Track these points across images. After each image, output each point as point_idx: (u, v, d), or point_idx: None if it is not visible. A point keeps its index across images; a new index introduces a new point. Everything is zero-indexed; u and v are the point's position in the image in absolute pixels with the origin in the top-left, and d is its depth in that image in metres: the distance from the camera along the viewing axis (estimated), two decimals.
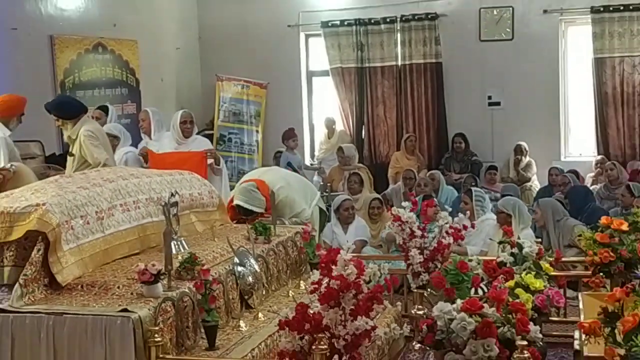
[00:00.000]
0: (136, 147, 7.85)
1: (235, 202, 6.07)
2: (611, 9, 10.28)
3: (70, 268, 3.90)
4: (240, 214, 6.02)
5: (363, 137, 11.40)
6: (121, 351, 3.44)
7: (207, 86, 11.29)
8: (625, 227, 5.09)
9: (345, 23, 11.22)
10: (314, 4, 11.41)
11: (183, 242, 4.43)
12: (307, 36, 11.78)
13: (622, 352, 3.21)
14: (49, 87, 8.56)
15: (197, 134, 7.88)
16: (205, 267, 3.99)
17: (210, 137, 9.35)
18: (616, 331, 3.33)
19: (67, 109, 6.43)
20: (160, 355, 3.45)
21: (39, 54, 8.45)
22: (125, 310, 3.52)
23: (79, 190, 4.31)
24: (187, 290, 3.87)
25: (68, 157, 6.54)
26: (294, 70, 11.71)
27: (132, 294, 3.75)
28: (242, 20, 11.44)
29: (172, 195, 4.46)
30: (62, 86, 8.72)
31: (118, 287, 3.85)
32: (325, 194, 8.19)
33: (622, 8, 10.24)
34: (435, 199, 7.37)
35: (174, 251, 4.07)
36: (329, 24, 11.28)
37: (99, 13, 9.44)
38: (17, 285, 3.71)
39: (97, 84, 9.30)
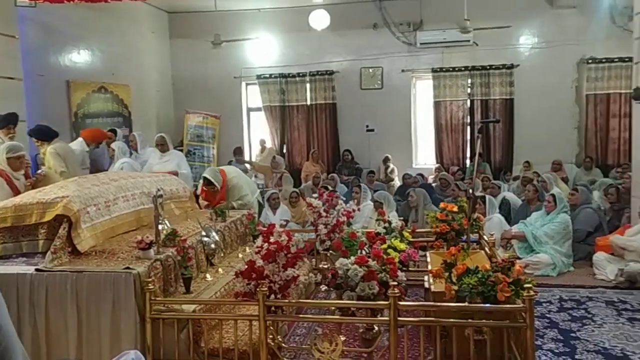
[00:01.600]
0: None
1: (204, 174, 5.97)
2: (444, 69, 10.55)
3: (87, 240, 3.77)
4: (205, 184, 5.91)
5: (284, 151, 11.36)
6: (125, 296, 3.35)
7: (178, 117, 11.00)
8: (455, 209, 5.23)
9: (273, 76, 11.15)
10: (252, 63, 11.26)
11: (167, 222, 4.31)
12: (247, 84, 11.62)
13: (455, 287, 3.29)
14: (66, 117, 8.15)
15: (174, 148, 7.71)
16: (183, 238, 3.91)
17: (181, 150, 9.14)
18: (452, 275, 3.44)
19: (44, 134, 6.07)
20: (152, 298, 3.36)
21: (58, 93, 8.04)
22: (127, 268, 3.42)
23: (92, 187, 4.17)
24: (170, 254, 3.78)
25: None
26: (238, 107, 11.54)
27: (131, 257, 3.65)
28: (203, 72, 11.19)
29: (158, 190, 4.33)
30: (76, 116, 8.30)
31: (122, 253, 3.74)
32: (261, 189, 8.13)
33: (451, 69, 10.54)
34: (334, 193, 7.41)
35: (160, 228, 3.97)
36: (262, 77, 11.19)
37: (102, 65, 9.07)
38: (49, 252, 3.58)
39: (101, 114, 8.91)
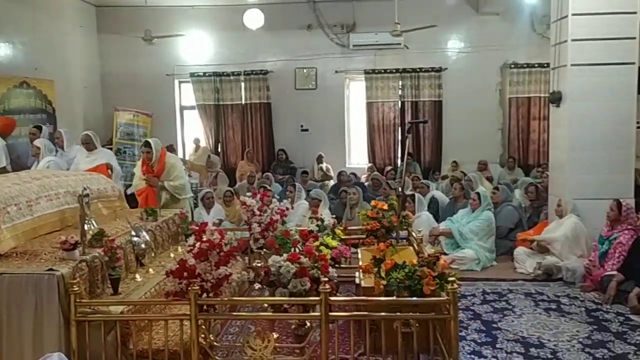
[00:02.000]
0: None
1: (149, 139, 6.16)
2: (376, 71, 10.77)
3: (7, 241, 3.60)
4: (143, 146, 6.08)
5: (219, 150, 11.23)
6: (48, 298, 3.21)
7: (107, 114, 10.62)
8: (385, 207, 5.32)
9: (207, 74, 11.01)
10: (185, 60, 11.07)
11: (93, 221, 4.17)
12: (180, 82, 11.41)
13: (384, 282, 3.39)
14: None
15: (103, 146, 7.45)
16: (110, 238, 3.80)
17: (110, 149, 8.84)
18: (381, 270, 3.54)
19: None
20: (77, 300, 3.25)
21: None
22: (51, 269, 3.29)
23: (13, 186, 3.98)
24: (97, 254, 3.66)
25: None
26: (171, 105, 11.29)
27: (55, 258, 3.50)
28: (133, 69, 10.87)
29: (84, 189, 4.20)
30: None
31: (44, 254, 3.58)
32: (194, 188, 8.02)
33: (383, 71, 10.77)
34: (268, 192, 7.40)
35: (86, 228, 3.84)
36: (195, 75, 11.01)
37: (24, 59, 8.62)
38: None
39: (23, 110, 8.45)
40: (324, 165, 10.80)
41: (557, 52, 6.46)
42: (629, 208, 5.53)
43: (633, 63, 6.21)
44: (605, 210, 5.65)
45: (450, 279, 3.24)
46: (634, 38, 6.14)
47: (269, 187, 7.71)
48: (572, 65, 6.23)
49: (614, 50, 6.15)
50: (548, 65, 7.00)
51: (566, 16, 6.21)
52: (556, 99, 6.44)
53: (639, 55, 6.22)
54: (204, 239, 3.37)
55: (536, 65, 10.44)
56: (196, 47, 11.02)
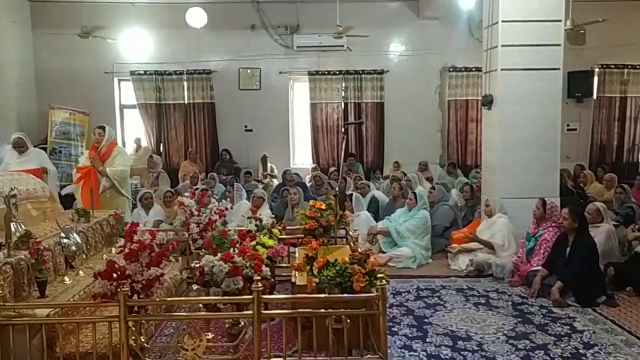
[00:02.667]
0: None
1: (104, 124, 6.45)
2: (320, 72, 10.89)
3: None
4: (98, 128, 6.38)
5: (161, 151, 11.06)
6: None
7: (42, 112, 10.23)
8: (323, 206, 5.40)
9: (148, 73, 10.82)
10: (125, 58, 10.83)
11: (21, 223, 4.06)
12: (120, 80, 11.16)
13: (317, 280, 3.47)
14: None
15: (35, 146, 7.21)
16: (37, 240, 3.71)
17: (45, 149, 8.55)
18: (313, 268, 3.60)
19: None
20: (1, 304, 3.16)
21: None
22: None
23: None
24: (23, 256, 3.57)
25: None
26: (110, 104, 11.00)
27: None
28: (70, 66, 10.53)
29: (12, 189, 4.08)
30: None
31: None
32: (134, 189, 7.89)
33: (326, 73, 10.89)
34: (209, 191, 7.36)
35: (13, 229, 3.73)
36: (136, 73, 10.81)
37: None
38: None
39: None
40: (268, 165, 10.82)
41: (488, 57, 6.74)
42: (553, 206, 5.82)
43: (558, 69, 6.54)
44: (532, 208, 5.92)
45: (379, 275, 3.35)
46: (559, 45, 6.48)
47: (208, 188, 7.67)
48: (502, 69, 6.51)
49: (541, 56, 6.46)
50: None
51: (497, 22, 6.48)
52: (488, 102, 6.71)
53: (564, 61, 6.57)
54: (135, 239, 3.34)
55: (473, 69, 10.83)
56: (137, 45, 10.81)
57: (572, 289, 5.13)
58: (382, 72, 10.89)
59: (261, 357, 3.25)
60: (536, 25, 6.41)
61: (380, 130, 11.06)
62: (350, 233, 5.03)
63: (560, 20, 6.47)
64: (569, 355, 3.99)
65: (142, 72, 10.82)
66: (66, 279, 3.93)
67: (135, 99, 10.92)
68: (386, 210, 7.61)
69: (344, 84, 10.96)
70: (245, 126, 11.06)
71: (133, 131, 11.36)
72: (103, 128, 6.32)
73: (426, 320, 4.72)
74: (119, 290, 3.17)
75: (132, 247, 3.36)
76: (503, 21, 6.43)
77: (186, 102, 11.00)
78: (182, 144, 11.07)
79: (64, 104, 9.86)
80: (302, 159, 11.54)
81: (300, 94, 11.40)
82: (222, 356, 3.57)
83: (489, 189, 6.90)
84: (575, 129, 11.15)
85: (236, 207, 7.21)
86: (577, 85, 10.69)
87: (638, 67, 11.09)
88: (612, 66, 11.04)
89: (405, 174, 9.19)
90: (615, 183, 8.29)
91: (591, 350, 4.07)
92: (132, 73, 10.79)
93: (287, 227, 5.64)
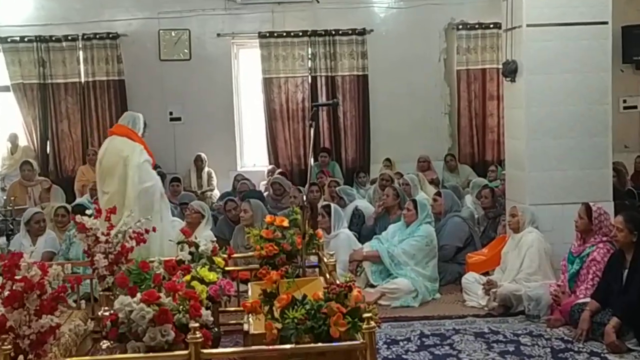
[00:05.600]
0: None
1: None
2: (275, 34, 10.98)
3: None
4: None
5: (48, 152, 11.02)
6: None
7: None
8: (286, 223, 5.48)
9: (26, 39, 10.79)
10: None
11: None
12: None
13: (279, 325, 3.55)
14: None
15: None
16: None
17: None
18: (274, 308, 3.69)
19: None
20: None
21: None
22: None
23: None
24: None
25: None
26: None
27: None
28: None
29: None
30: None
31: None
32: (9, 208, 7.86)
33: (284, 34, 11.00)
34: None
35: None
36: (8, 39, 10.77)
37: None
38: None
39: None
40: (205, 170, 10.86)
41: (509, 8, 6.92)
42: (601, 214, 6.00)
43: (606, 22, 6.76)
44: (574, 218, 6.11)
45: (366, 315, 3.47)
46: None
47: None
48: (528, 25, 6.69)
49: (582, 5, 6.68)
50: None
51: None
52: (510, 71, 6.89)
53: (615, 12, 6.81)
54: (18, 277, 3.40)
55: (491, 26, 11.08)
56: (8, 1, 10.76)
57: (633, 327, 5.31)
58: (363, 33, 11.08)
59: None
60: None
61: (363, 115, 11.24)
62: (325, 260, 5.15)
63: None
64: None
65: (17, 38, 10.78)
66: None
67: (8, 77, 10.86)
68: (375, 226, 7.73)
69: (310, 50, 11.10)
70: (170, 113, 11.11)
71: (6, 124, 11.29)
72: None
73: None
74: None
75: (14, 287, 3.42)
76: None
77: (83, 80, 11.01)
78: (78, 141, 11.07)
79: None
80: (253, 158, 11.63)
81: (248, 66, 11.47)
82: None
83: (515, 192, 7.09)
84: (635, 107, 11.41)
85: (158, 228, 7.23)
86: (636, 45, 10.90)
87: None
88: None
89: (401, 175, 9.35)
90: None
91: None
92: (2, 40, 10.75)
93: (235, 255, 5.72)
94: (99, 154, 6.89)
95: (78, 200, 9.41)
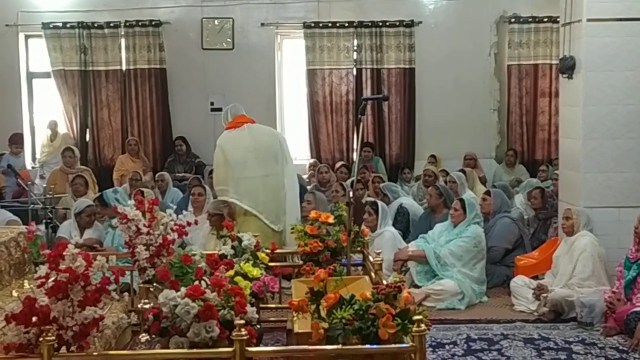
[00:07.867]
0: None
1: None
2: (321, 25, 10.97)
3: None
4: None
5: (87, 140, 11.14)
6: None
7: None
8: (331, 219, 5.46)
9: (68, 25, 10.90)
10: (35, 4, 10.92)
11: None
12: (27, 37, 11.25)
13: (325, 325, 3.53)
14: None
15: None
16: None
17: None
18: (320, 307, 3.67)
19: None
20: None
21: None
22: None
23: None
24: None
25: None
26: (13, 72, 11.11)
27: None
28: None
29: None
30: None
31: None
32: (48, 195, 7.93)
33: (330, 25, 10.98)
34: (160, 199, 7.43)
35: None
36: (51, 25, 10.88)
37: None
38: None
39: None
40: None
41: (568, 2, 6.83)
42: None
43: None
44: (632, 223, 5.99)
45: (416, 317, 3.43)
46: None
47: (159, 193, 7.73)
48: (588, 20, 6.60)
49: None
50: None
51: None
52: (568, 67, 6.80)
53: None
54: (62, 267, 3.42)
55: (545, 20, 10.93)
56: None
57: None
58: (411, 25, 11.00)
59: None
60: None
61: (409, 110, 11.17)
62: (371, 258, 5.12)
63: None
64: None
65: (60, 24, 10.90)
66: None
67: (49, 63, 10.98)
68: (420, 225, 7.69)
69: (356, 42, 11.06)
70: (212, 103, 11.14)
71: (46, 111, 11.43)
72: None
73: None
74: (41, 340, 3.25)
75: (58, 278, 3.43)
76: None
77: (124, 68, 11.09)
78: (118, 129, 11.17)
79: None
80: (295, 151, 11.60)
81: (292, 57, 11.46)
82: None
83: (568, 194, 7.01)
84: None
85: (200, 220, 7.26)
86: None
87: None
88: None
89: (447, 173, 9.28)
90: None
91: None
92: (44, 26, 10.86)
93: (278, 251, 5.71)
94: (242, 142, 6.99)
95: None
